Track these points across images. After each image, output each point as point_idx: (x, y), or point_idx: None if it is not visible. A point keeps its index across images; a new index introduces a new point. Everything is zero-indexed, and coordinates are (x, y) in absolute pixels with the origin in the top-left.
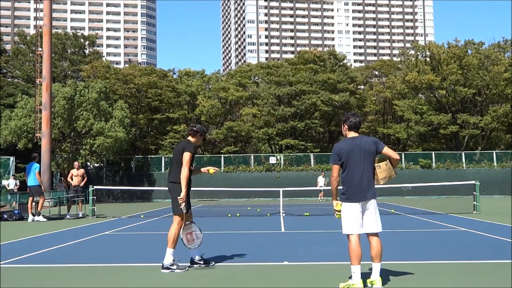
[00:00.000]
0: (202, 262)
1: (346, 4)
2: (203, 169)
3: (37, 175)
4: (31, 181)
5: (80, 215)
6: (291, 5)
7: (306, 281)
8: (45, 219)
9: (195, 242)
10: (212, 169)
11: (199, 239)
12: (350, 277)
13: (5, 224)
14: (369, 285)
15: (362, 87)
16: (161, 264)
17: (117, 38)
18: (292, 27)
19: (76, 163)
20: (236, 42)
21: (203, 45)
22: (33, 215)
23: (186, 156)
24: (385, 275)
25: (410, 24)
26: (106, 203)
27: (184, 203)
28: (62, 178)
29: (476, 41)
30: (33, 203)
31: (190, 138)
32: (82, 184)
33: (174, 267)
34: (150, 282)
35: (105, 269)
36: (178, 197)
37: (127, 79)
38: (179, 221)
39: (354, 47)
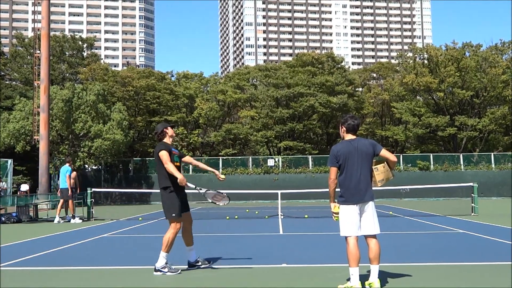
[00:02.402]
0: (200, 264)
1: (344, 6)
2: (214, 171)
3: (67, 178)
4: (62, 183)
5: (78, 219)
6: (289, 7)
7: (305, 283)
8: (80, 220)
9: (224, 200)
10: (221, 176)
11: (225, 196)
12: (349, 279)
13: (3, 227)
14: (367, 287)
15: (360, 89)
16: (154, 267)
17: (115, 41)
18: (290, 29)
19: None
20: (234, 45)
21: (201, 48)
22: (61, 218)
23: (163, 155)
24: (384, 277)
25: (408, 26)
26: (104, 205)
27: (185, 183)
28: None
29: (474, 43)
30: (68, 206)
31: (160, 142)
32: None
33: (166, 270)
34: (149, 284)
35: (104, 271)
36: (179, 179)
37: (125, 81)
38: (175, 225)
39: (352, 49)
